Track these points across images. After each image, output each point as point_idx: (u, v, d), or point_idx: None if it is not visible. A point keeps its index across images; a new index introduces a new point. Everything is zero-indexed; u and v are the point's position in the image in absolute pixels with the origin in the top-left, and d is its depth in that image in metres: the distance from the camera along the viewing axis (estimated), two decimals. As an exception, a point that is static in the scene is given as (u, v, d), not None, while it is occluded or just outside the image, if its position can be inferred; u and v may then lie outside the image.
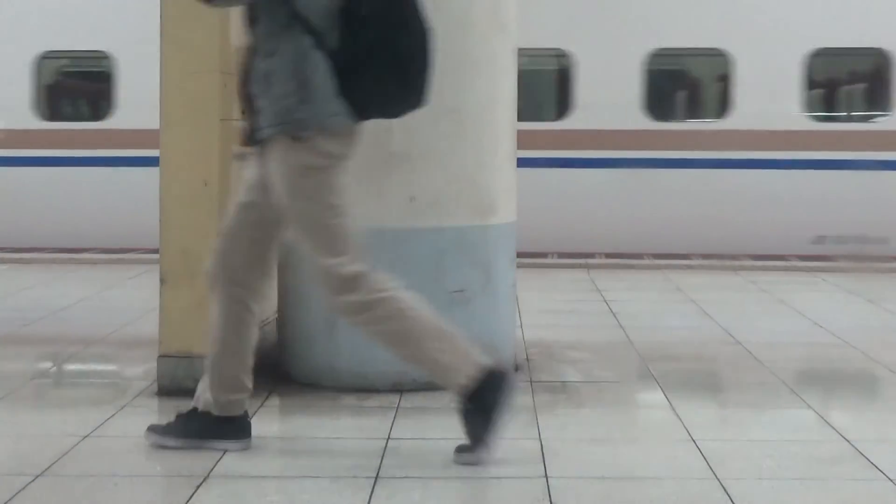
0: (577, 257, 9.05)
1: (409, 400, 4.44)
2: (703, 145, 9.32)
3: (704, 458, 3.71)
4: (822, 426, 4.13)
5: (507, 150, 4.82)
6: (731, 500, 3.31)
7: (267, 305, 5.11)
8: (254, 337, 3.76)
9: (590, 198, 9.31)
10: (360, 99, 3.58)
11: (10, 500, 3.28)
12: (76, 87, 10.36)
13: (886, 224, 9.15)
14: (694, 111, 10.09)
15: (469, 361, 3.63)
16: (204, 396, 3.75)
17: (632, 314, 6.43)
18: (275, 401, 4.46)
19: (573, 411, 4.33)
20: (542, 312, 6.50)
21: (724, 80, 9.41)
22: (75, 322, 6.22)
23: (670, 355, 5.37)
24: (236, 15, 4.63)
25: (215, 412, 3.72)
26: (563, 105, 9.54)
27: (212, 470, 3.57)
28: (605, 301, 6.80)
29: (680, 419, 4.20)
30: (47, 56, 9.71)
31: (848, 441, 3.92)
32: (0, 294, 7.11)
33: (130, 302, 6.75)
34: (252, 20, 3.64)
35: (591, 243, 9.12)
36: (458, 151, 4.60)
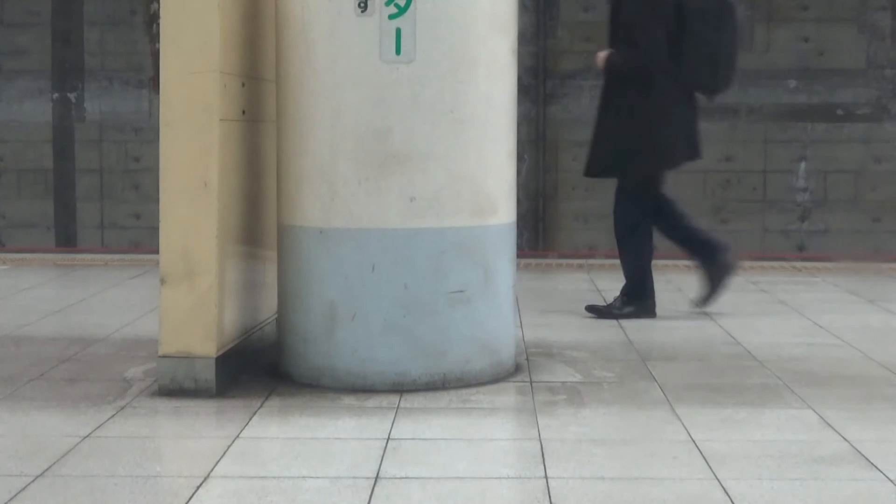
0: (577, 257, 9.05)
1: (409, 400, 4.44)
2: None
3: (704, 458, 3.71)
4: (822, 426, 4.14)
5: (507, 150, 4.82)
6: (731, 500, 3.32)
7: (267, 306, 5.12)
8: None
9: None
10: None
11: (10, 500, 3.28)
12: None
13: None
14: None
15: None
16: None
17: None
18: (275, 401, 4.46)
19: (573, 411, 4.33)
20: (542, 312, 6.50)
21: None
22: (75, 322, 6.22)
23: (670, 355, 5.37)
24: (233, 15, 4.64)
25: None
26: None
27: (212, 470, 3.58)
28: (605, 301, 6.80)
29: (680, 419, 4.20)
30: None
31: (848, 441, 3.92)
32: (0, 294, 7.11)
33: (130, 302, 6.76)
34: None
35: None
36: (458, 151, 4.61)
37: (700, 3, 6.15)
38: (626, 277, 6.42)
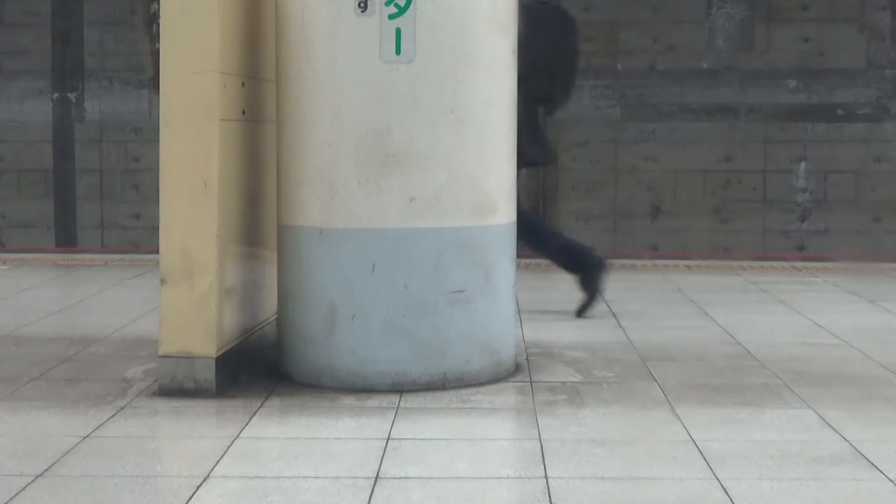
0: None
1: (409, 400, 4.44)
2: None
3: (704, 458, 3.71)
4: (822, 426, 4.14)
5: (507, 150, 4.82)
6: (731, 500, 3.32)
7: (267, 306, 5.12)
8: None
9: None
10: None
11: (10, 500, 3.28)
12: None
13: None
14: None
15: None
16: None
17: (632, 314, 6.44)
18: (275, 401, 4.46)
19: (573, 411, 4.33)
20: (542, 312, 6.50)
21: None
22: (75, 322, 6.23)
23: (670, 355, 5.37)
24: (233, 15, 4.64)
25: None
26: None
27: (212, 470, 3.58)
28: (605, 301, 6.80)
29: (680, 419, 4.20)
30: None
31: (848, 441, 3.92)
32: (0, 294, 7.11)
33: (130, 302, 6.76)
34: None
35: None
36: (458, 151, 4.61)
37: (541, 18, 6.24)
38: (566, 269, 6.53)
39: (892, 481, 3.49)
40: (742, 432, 4.07)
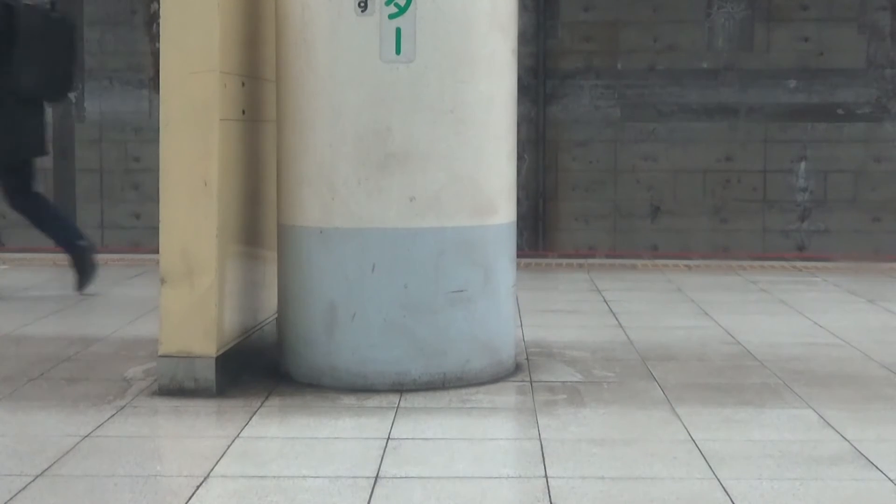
0: (577, 257, 9.06)
1: (409, 400, 4.44)
2: None
3: (704, 458, 3.71)
4: (822, 426, 4.14)
5: (507, 150, 4.82)
6: (731, 500, 3.32)
7: (267, 306, 5.12)
8: None
9: None
10: None
11: (10, 500, 3.29)
12: None
13: None
14: None
15: None
16: None
17: (632, 314, 6.44)
18: (275, 401, 4.46)
19: (573, 411, 4.33)
20: (542, 312, 6.50)
21: None
22: (75, 322, 6.23)
23: (670, 355, 5.37)
24: (233, 15, 4.64)
25: None
26: None
27: (212, 470, 3.58)
28: (605, 301, 6.81)
29: (680, 419, 4.20)
30: None
31: (848, 441, 3.92)
32: (0, 294, 7.11)
33: (130, 302, 6.76)
34: None
35: None
36: (458, 151, 4.61)
37: (32, 21, 6.73)
38: (62, 246, 7.04)
39: (892, 481, 3.50)
40: (742, 432, 4.07)
